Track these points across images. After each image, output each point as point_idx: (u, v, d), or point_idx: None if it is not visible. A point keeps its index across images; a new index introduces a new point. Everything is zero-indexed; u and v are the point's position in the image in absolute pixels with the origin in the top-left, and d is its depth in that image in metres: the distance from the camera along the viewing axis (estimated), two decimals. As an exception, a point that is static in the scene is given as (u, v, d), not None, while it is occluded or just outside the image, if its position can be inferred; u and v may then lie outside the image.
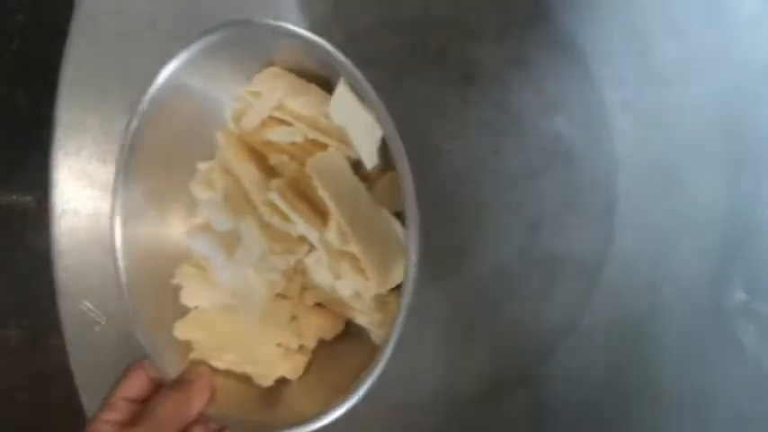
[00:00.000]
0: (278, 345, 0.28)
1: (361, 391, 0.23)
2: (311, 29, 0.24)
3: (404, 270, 0.23)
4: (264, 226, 0.26)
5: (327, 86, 0.26)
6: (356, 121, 0.24)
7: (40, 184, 0.43)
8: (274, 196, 0.25)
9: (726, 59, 0.27)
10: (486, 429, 0.33)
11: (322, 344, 0.29)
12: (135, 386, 0.27)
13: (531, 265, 0.32)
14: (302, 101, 0.25)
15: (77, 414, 0.41)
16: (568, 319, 0.31)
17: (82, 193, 0.43)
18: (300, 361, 0.28)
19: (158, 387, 0.28)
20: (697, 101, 0.28)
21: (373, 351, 0.24)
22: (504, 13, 0.31)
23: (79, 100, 0.43)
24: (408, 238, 0.22)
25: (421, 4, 0.33)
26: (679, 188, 0.29)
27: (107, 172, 0.44)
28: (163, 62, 0.25)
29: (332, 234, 0.25)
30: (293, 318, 0.28)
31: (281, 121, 0.26)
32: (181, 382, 0.27)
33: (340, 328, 0.29)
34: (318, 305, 0.29)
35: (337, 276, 0.26)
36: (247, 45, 0.26)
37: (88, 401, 0.40)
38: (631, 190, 0.30)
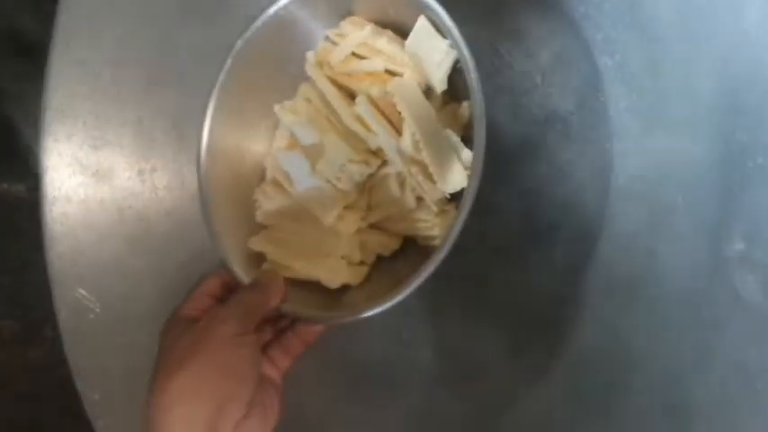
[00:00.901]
0: (342, 257, 0.32)
1: (420, 281, 0.27)
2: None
3: (469, 178, 0.27)
4: (344, 141, 0.31)
5: (399, 33, 0.32)
6: (432, 50, 0.30)
7: (32, 172, 0.42)
8: (361, 108, 0.30)
9: (719, 13, 0.27)
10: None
11: (380, 259, 0.33)
12: (215, 286, 0.31)
13: (524, 231, 0.32)
14: (381, 40, 0.31)
15: (72, 406, 0.40)
16: (566, 286, 0.31)
17: (73, 180, 0.43)
18: (361, 270, 0.32)
19: (234, 290, 0.31)
20: (690, 56, 0.28)
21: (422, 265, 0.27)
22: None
23: (68, 84, 0.42)
24: (476, 149, 0.27)
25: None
26: (673, 143, 0.29)
27: (98, 158, 0.43)
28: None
29: (406, 142, 0.30)
30: (358, 232, 0.32)
31: (362, 58, 0.32)
32: (258, 283, 0.30)
33: (396, 246, 0.33)
34: (378, 227, 0.33)
35: (404, 187, 0.31)
36: None
37: (83, 388, 0.39)
38: (626, 151, 0.30)
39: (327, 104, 0.32)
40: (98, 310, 0.41)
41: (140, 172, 0.42)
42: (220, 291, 0.31)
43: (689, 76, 0.28)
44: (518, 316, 0.33)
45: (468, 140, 0.29)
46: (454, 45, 0.28)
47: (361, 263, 0.33)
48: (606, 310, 0.30)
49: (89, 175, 0.42)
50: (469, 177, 0.27)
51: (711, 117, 0.28)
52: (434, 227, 0.30)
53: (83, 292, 0.41)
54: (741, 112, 0.27)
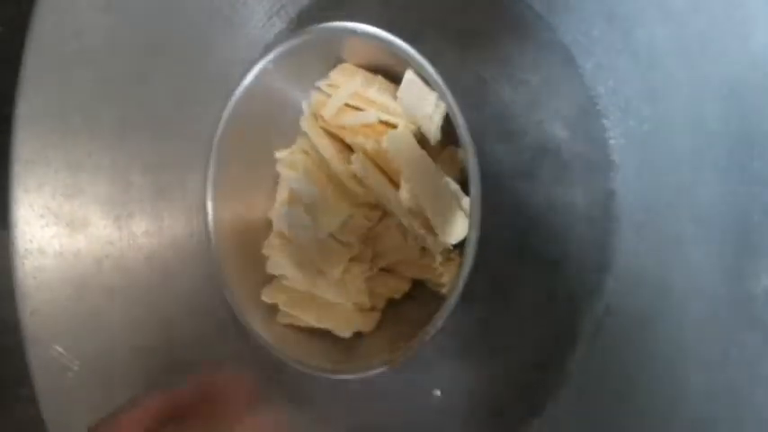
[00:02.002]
0: (353, 304, 0.32)
1: (433, 332, 0.28)
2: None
3: (468, 227, 0.28)
4: (344, 195, 0.32)
5: (389, 77, 0.32)
6: (422, 103, 0.30)
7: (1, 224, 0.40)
8: (357, 166, 0.30)
9: (723, 36, 0.27)
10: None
11: (390, 302, 0.34)
12: (151, 412, 0.24)
13: (526, 266, 0.32)
14: (372, 90, 0.31)
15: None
16: (574, 327, 0.31)
17: (46, 231, 0.40)
18: (373, 317, 0.33)
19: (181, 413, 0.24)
20: (693, 81, 0.28)
21: (434, 307, 0.28)
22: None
23: (38, 133, 0.40)
24: (472, 200, 0.27)
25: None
26: (679, 171, 0.28)
27: (72, 206, 0.41)
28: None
29: (405, 195, 0.30)
30: (366, 279, 0.33)
31: (355, 108, 0.32)
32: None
33: (406, 288, 0.34)
34: (387, 270, 0.34)
35: (406, 236, 0.32)
36: (322, 46, 0.31)
37: (63, 454, 0.37)
38: (626, 180, 0.30)
39: (324, 159, 0.33)
40: (76, 368, 0.38)
41: (117, 218, 0.40)
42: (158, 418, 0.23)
43: (692, 102, 0.28)
44: (518, 355, 0.32)
45: (466, 184, 0.29)
46: (442, 98, 0.28)
47: (372, 308, 0.33)
48: (614, 343, 0.30)
49: (63, 226, 0.40)
50: (470, 228, 0.27)
51: (721, 144, 0.27)
52: (441, 274, 0.31)
53: (59, 349, 0.39)
54: (755, 140, 0.27)
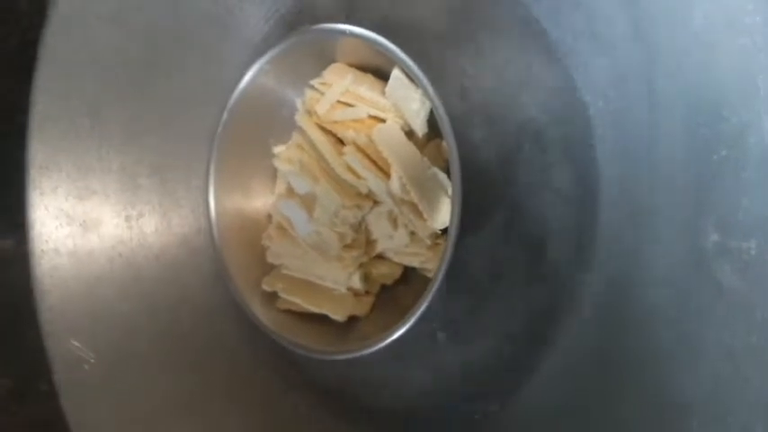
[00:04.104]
0: (348, 289, 0.34)
1: (418, 314, 0.29)
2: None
3: (450, 213, 0.29)
4: (336, 187, 0.33)
5: (378, 74, 0.34)
6: (408, 99, 0.32)
7: (17, 226, 0.41)
8: (349, 157, 0.32)
9: (669, 19, 0.28)
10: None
11: (384, 288, 0.35)
12: None
13: (512, 245, 0.33)
14: (363, 87, 0.33)
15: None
16: (556, 294, 0.32)
17: (61, 231, 0.42)
18: (367, 301, 0.35)
19: None
20: (648, 61, 0.29)
21: (423, 291, 0.29)
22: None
23: (50, 139, 0.42)
24: (454, 188, 0.29)
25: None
26: (645, 146, 0.30)
27: (85, 208, 0.43)
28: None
29: (394, 185, 0.31)
30: (360, 266, 0.34)
31: (346, 104, 0.34)
32: None
33: (398, 274, 0.35)
34: (379, 257, 0.35)
35: (396, 224, 0.33)
36: (315, 47, 0.33)
37: (82, 440, 0.38)
38: (603, 158, 0.31)
39: (318, 152, 0.34)
40: (93, 360, 0.40)
41: (127, 218, 0.41)
42: None
43: (649, 81, 0.29)
44: (510, 327, 0.34)
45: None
46: (425, 95, 0.30)
47: (367, 293, 0.35)
48: (597, 312, 0.31)
49: (77, 226, 0.42)
50: (451, 219, 0.29)
51: (674, 117, 0.29)
52: (428, 260, 0.33)
53: (76, 343, 0.40)
54: (700, 110, 0.28)
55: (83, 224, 0.41)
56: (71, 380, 0.40)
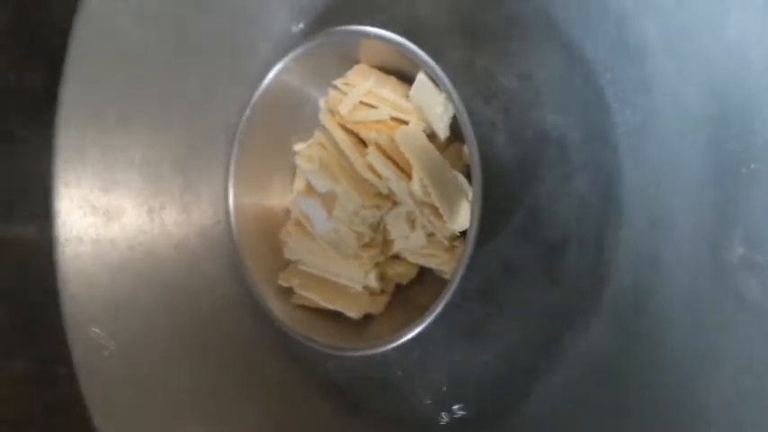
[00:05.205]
0: (364, 287, 0.34)
1: (433, 315, 0.29)
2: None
3: (470, 215, 0.29)
4: (357, 186, 0.33)
5: (402, 77, 0.34)
6: (432, 103, 0.32)
7: (40, 214, 0.42)
8: (372, 157, 0.32)
9: (701, 30, 0.28)
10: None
11: (399, 288, 0.36)
12: None
13: (530, 249, 0.33)
14: (386, 89, 0.33)
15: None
16: (574, 300, 0.32)
17: (84, 221, 0.43)
18: (382, 300, 0.35)
19: None
20: (677, 72, 0.29)
21: (439, 292, 0.29)
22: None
23: (77, 130, 0.42)
24: (474, 192, 0.29)
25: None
26: (668, 155, 0.30)
27: (108, 199, 0.43)
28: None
29: (415, 186, 0.32)
30: (377, 265, 0.34)
31: (368, 106, 0.34)
32: None
33: (414, 274, 0.35)
34: (396, 257, 0.35)
35: (414, 226, 0.33)
36: (339, 48, 0.33)
37: (101, 425, 0.39)
38: (624, 165, 0.31)
39: (340, 151, 0.34)
40: (112, 347, 0.40)
41: (149, 210, 0.42)
42: None
43: (677, 91, 0.29)
44: (525, 331, 0.34)
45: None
46: (449, 99, 0.30)
47: (382, 292, 0.35)
48: (613, 319, 0.32)
49: (100, 216, 0.42)
50: (471, 222, 0.29)
51: (701, 128, 0.29)
52: (444, 262, 0.33)
53: (96, 330, 0.41)
54: (729, 122, 0.28)
55: (106, 214, 0.42)
56: (91, 366, 0.40)
